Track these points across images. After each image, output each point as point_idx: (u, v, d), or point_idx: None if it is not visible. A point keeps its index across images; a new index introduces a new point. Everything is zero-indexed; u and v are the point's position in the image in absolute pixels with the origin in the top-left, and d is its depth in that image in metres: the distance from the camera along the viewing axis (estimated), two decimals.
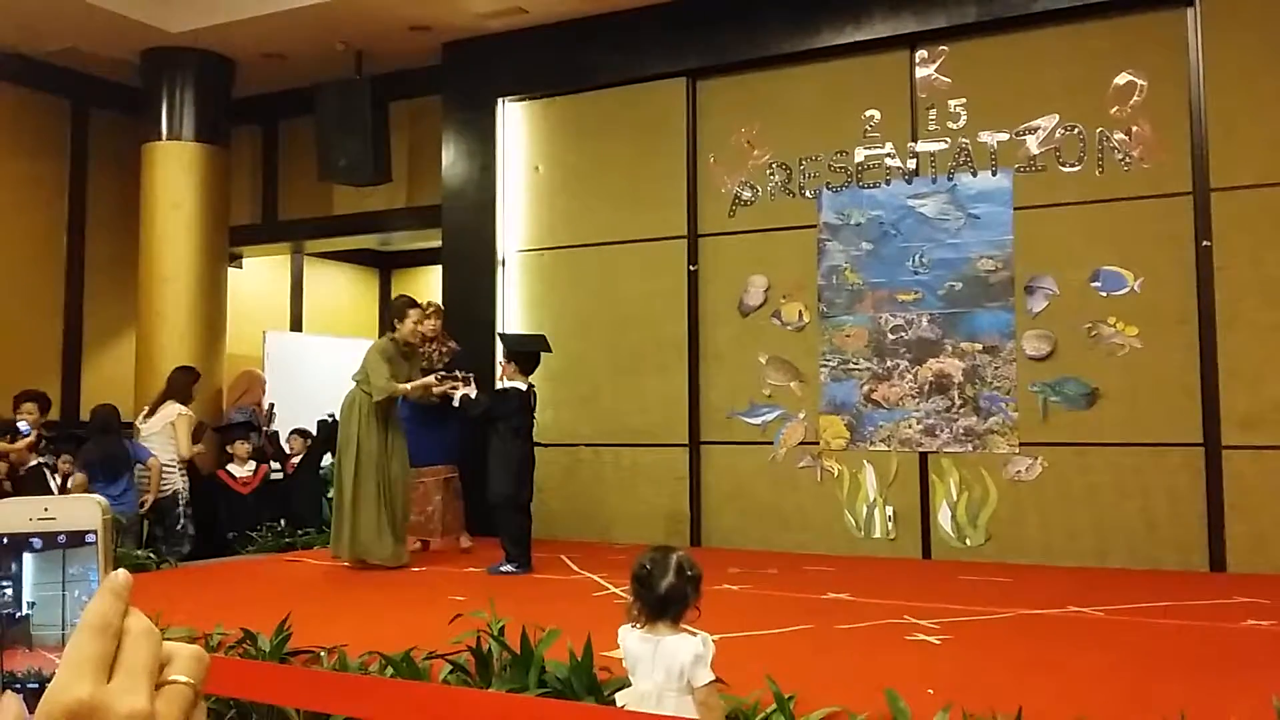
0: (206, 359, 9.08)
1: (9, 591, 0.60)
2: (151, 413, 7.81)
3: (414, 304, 7.08)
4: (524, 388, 6.70)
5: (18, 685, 0.59)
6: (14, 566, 0.60)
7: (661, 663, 2.70)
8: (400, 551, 6.71)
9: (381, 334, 7.08)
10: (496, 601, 3.99)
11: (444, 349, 7.45)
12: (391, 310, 7.13)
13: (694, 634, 2.75)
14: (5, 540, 0.60)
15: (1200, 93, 6.64)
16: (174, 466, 7.76)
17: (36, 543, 0.60)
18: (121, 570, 0.59)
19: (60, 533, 0.60)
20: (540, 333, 7.73)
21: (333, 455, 7.20)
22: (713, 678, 2.69)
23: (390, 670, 3.77)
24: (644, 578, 2.81)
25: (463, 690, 3.52)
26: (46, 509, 0.60)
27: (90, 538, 0.60)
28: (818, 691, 3.33)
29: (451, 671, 3.73)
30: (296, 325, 12.43)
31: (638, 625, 2.81)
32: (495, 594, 4.32)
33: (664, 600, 2.77)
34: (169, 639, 0.59)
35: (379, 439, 6.70)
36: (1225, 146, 6.55)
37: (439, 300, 8.04)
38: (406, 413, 7.20)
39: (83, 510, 0.60)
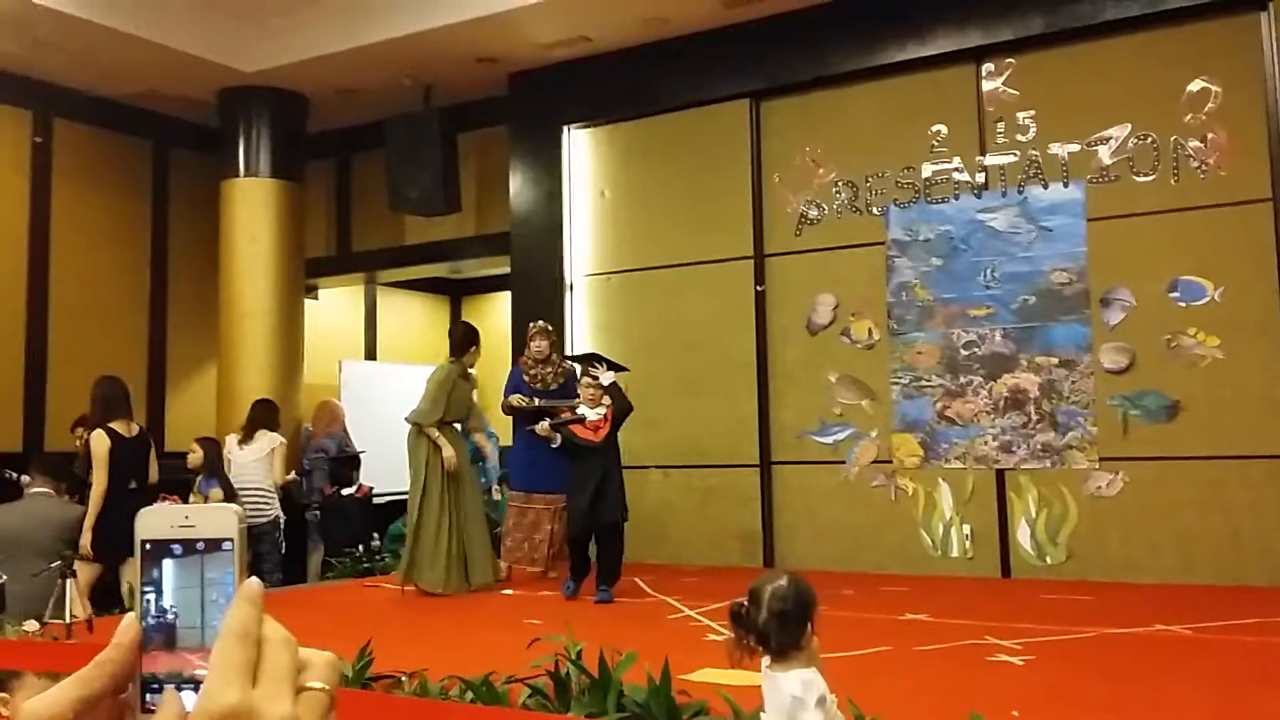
0: (285, 389, 9.28)
1: (151, 596, 0.63)
2: (247, 440, 7.97)
3: (476, 335, 7.11)
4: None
5: (157, 686, 0.62)
6: (156, 572, 0.63)
7: (774, 700, 2.66)
8: (452, 580, 6.66)
9: (454, 358, 7.02)
10: (572, 625, 4.01)
11: (559, 369, 7.28)
12: (459, 337, 7.11)
13: (803, 672, 2.61)
14: (149, 546, 0.63)
15: (1277, 96, 6.49)
16: (272, 494, 7.92)
17: (177, 549, 0.63)
18: (255, 579, 0.62)
19: (199, 540, 0.63)
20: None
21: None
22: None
23: (470, 695, 3.81)
24: (739, 614, 2.73)
25: (542, 715, 3.54)
26: (187, 517, 0.64)
27: (227, 545, 0.63)
28: (900, 714, 3.30)
29: (531, 696, 3.76)
30: (371, 354, 12.64)
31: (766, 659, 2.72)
32: (570, 618, 4.34)
33: (762, 636, 2.70)
34: None
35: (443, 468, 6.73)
36: None
37: (540, 323, 7.57)
38: (520, 437, 7.14)
39: (221, 519, 0.64)
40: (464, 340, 7.08)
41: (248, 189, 9.56)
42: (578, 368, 7.23)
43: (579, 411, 6.42)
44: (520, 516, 7.17)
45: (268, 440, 7.93)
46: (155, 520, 0.64)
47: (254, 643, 0.59)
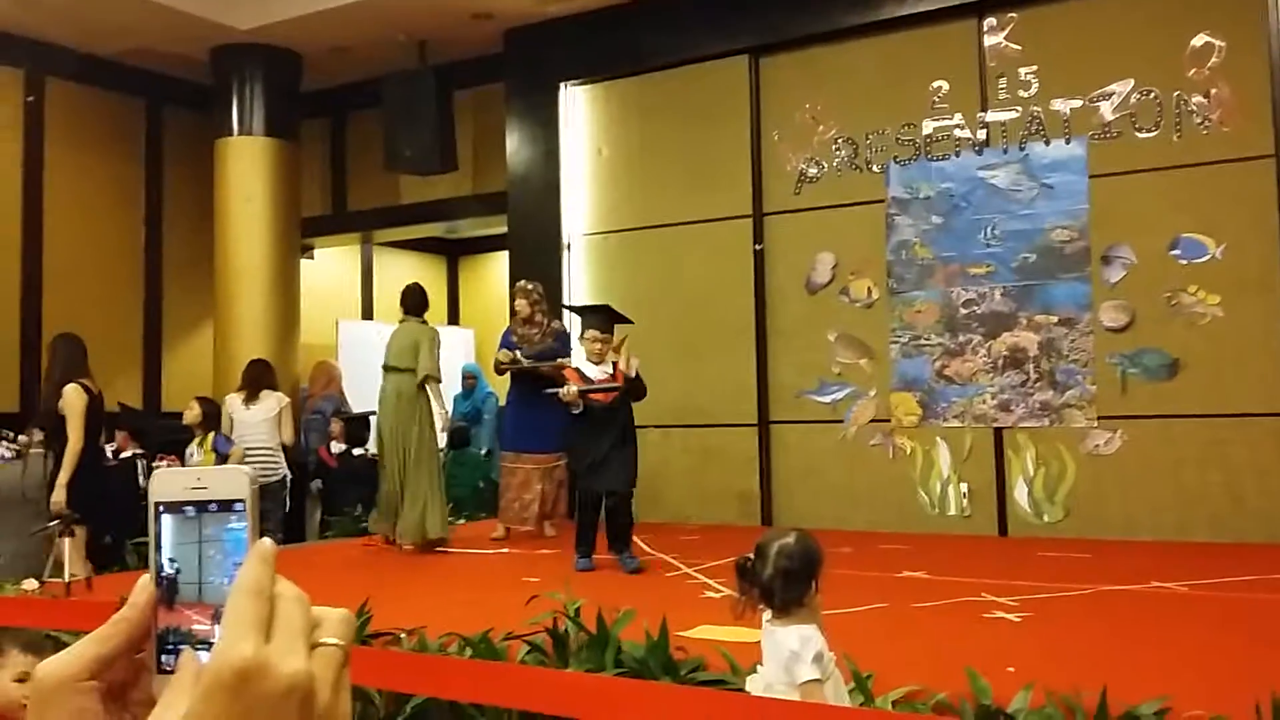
0: (282, 349, 9.26)
1: (165, 556, 0.63)
2: (253, 399, 7.91)
3: (427, 295, 7.26)
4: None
5: (171, 646, 0.62)
6: (169, 532, 0.63)
7: (772, 654, 2.67)
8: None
9: (420, 319, 7.12)
10: (571, 583, 4.02)
11: (546, 329, 7.23)
12: (419, 298, 7.19)
13: (801, 628, 2.63)
14: (162, 508, 0.63)
15: None
16: (280, 453, 7.91)
17: (190, 510, 0.63)
18: (267, 539, 0.61)
19: (212, 501, 0.63)
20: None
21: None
22: (811, 676, 2.56)
23: (469, 651, 3.82)
24: (746, 570, 2.74)
25: (541, 670, 3.55)
26: (199, 479, 0.64)
27: (239, 506, 0.63)
28: (896, 670, 3.30)
29: (529, 652, 3.77)
30: (368, 314, 12.61)
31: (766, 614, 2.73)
32: (569, 576, 4.35)
33: (767, 592, 2.70)
34: None
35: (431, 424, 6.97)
36: None
37: (521, 283, 7.57)
38: (513, 397, 7.24)
39: (233, 480, 0.64)
40: (424, 300, 7.18)
41: (242, 147, 9.49)
42: (570, 326, 7.23)
43: (581, 370, 6.00)
44: (510, 477, 7.23)
45: (275, 400, 7.91)
46: (168, 482, 0.64)
47: (267, 599, 0.58)
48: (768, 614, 2.74)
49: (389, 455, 6.91)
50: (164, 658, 0.62)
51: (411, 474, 6.82)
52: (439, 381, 6.94)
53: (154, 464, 7.88)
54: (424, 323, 7.11)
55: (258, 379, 7.98)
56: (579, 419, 5.88)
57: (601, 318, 6.14)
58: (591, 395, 5.84)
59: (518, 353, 7.11)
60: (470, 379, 10.11)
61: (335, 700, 0.58)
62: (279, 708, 0.56)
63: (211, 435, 7.58)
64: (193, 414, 7.60)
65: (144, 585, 0.63)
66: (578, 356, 6.52)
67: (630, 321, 6.20)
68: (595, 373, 5.97)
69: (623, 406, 5.96)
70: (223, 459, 7.21)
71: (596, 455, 5.85)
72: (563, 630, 3.75)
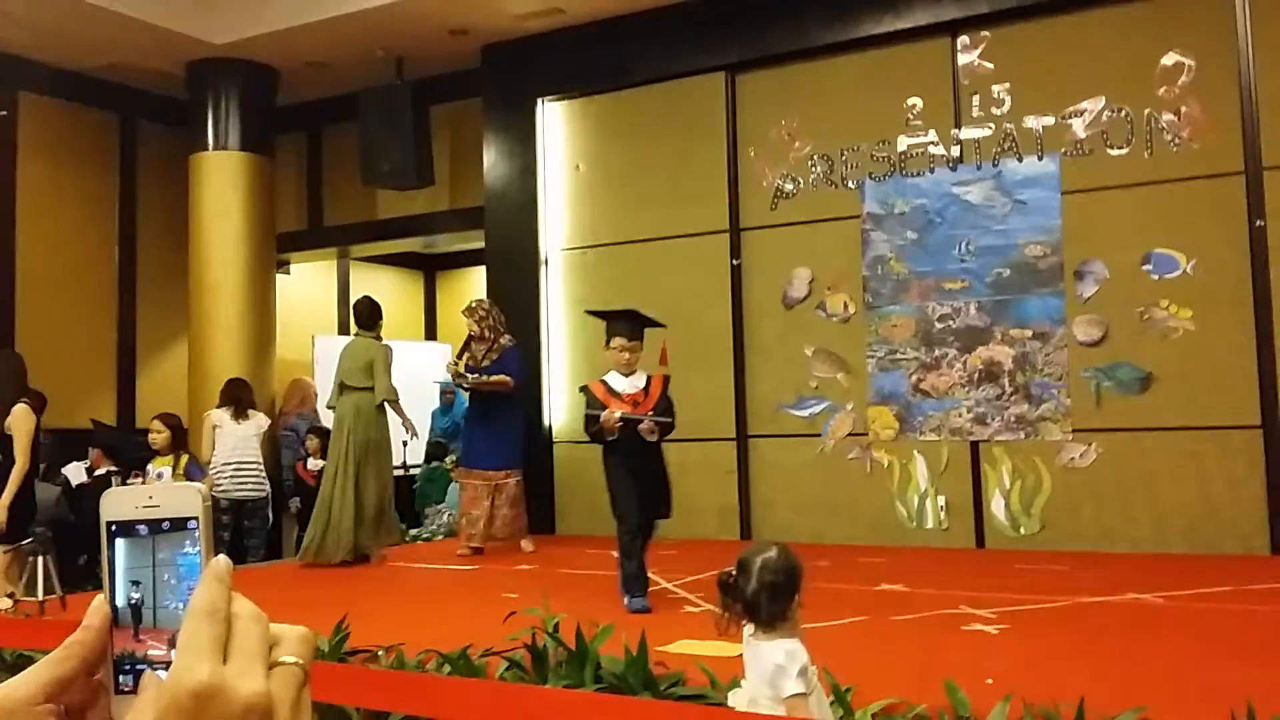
0: (257, 364, 9.21)
1: (117, 576, 0.62)
2: (241, 415, 7.90)
3: (381, 309, 7.35)
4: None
5: (129, 667, 0.61)
6: (123, 553, 0.62)
7: (755, 669, 2.67)
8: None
9: (373, 334, 7.21)
10: (550, 599, 4.01)
11: (493, 346, 7.35)
12: (371, 311, 7.26)
13: (787, 642, 2.63)
14: (114, 528, 0.62)
15: (1250, 70, 6.52)
16: (263, 470, 7.92)
17: (142, 529, 0.62)
18: (222, 556, 0.61)
19: (164, 520, 0.62)
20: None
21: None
22: (797, 691, 2.56)
23: (448, 668, 3.80)
24: (729, 586, 2.75)
25: (520, 686, 3.54)
26: (151, 497, 0.63)
27: (192, 524, 0.62)
28: (875, 683, 3.31)
29: (508, 668, 3.75)
30: (344, 329, 12.53)
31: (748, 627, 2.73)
32: (548, 591, 4.34)
33: (751, 606, 2.70)
34: None
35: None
36: (1277, 124, 6.43)
37: (486, 298, 7.87)
38: (468, 414, 7.42)
39: (185, 498, 0.63)
40: (374, 313, 7.25)
41: (217, 162, 9.44)
42: (511, 346, 7.29)
43: (608, 384, 5.38)
44: (463, 493, 7.34)
45: (261, 418, 7.98)
46: (120, 501, 0.63)
47: (223, 619, 0.58)
48: (750, 628, 2.74)
49: (340, 471, 6.92)
50: (122, 678, 0.61)
51: (367, 492, 6.91)
52: (397, 401, 7.07)
53: (128, 481, 7.81)
54: (377, 338, 7.20)
55: (240, 397, 7.97)
56: (608, 447, 5.32)
57: (627, 323, 5.48)
58: (637, 426, 5.18)
59: (461, 362, 7.27)
60: (449, 394, 10.11)
61: (295, 719, 0.58)
62: None
63: (184, 459, 7.54)
64: (163, 437, 7.51)
65: (98, 607, 0.62)
66: (604, 368, 5.65)
67: (661, 325, 5.69)
68: (625, 386, 5.33)
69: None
70: None
71: (635, 483, 5.26)
72: (541, 646, 3.74)
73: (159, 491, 0.63)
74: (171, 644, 0.60)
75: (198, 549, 0.62)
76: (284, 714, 0.57)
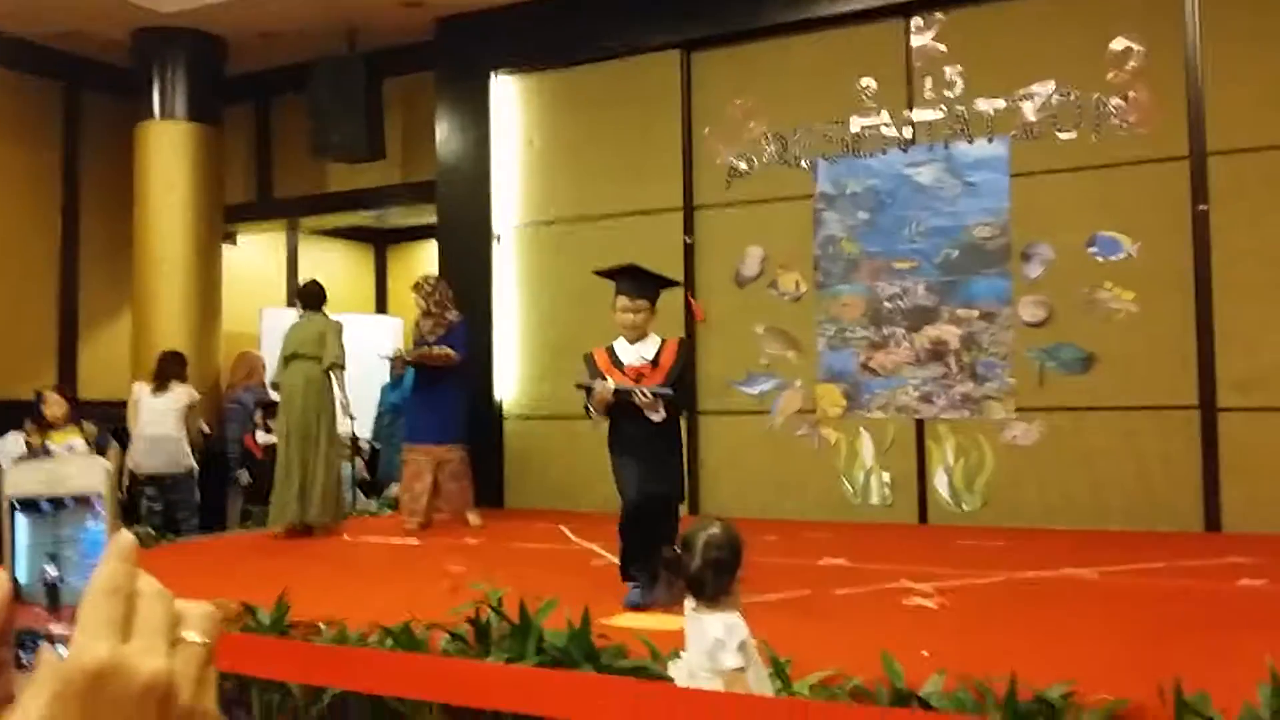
0: (203, 337, 9.10)
1: (19, 552, 0.61)
2: (161, 389, 7.81)
3: (325, 292, 7.43)
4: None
5: (33, 643, 0.60)
6: (22, 529, 0.61)
7: (696, 642, 2.69)
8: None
9: (319, 308, 7.33)
10: (494, 573, 4.01)
11: (439, 321, 7.35)
12: (318, 291, 7.38)
13: (727, 616, 2.67)
14: (16, 503, 0.61)
15: (1197, 56, 6.61)
16: (185, 444, 7.82)
17: (45, 505, 0.61)
18: (126, 533, 0.60)
19: (67, 495, 0.61)
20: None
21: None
22: (735, 664, 2.61)
23: (390, 642, 3.80)
24: (674, 562, 2.77)
25: (461, 661, 3.54)
26: (54, 472, 0.62)
27: (96, 500, 0.61)
28: (814, 656, 3.35)
29: (450, 642, 3.76)
30: (293, 302, 12.42)
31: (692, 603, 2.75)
32: (492, 566, 4.34)
33: (695, 582, 2.73)
34: None
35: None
36: (1222, 109, 6.53)
37: (434, 274, 7.87)
38: (412, 388, 7.42)
39: (90, 472, 0.62)
40: (323, 295, 7.38)
41: (163, 132, 9.28)
42: (459, 321, 7.29)
43: (614, 351, 4.86)
44: (406, 467, 7.35)
45: (184, 392, 7.83)
46: (22, 476, 0.62)
47: (125, 597, 0.57)
48: (690, 602, 2.77)
49: (294, 441, 7.01)
50: (24, 655, 0.60)
51: (316, 461, 6.98)
52: (344, 369, 7.14)
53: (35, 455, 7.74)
54: (325, 315, 7.28)
55: (166, 370, 7.89)
56: (611, 424, 4.80)
57: (632, 281, 4.85)
58: (634, 403, 4.56)
59: (399, 348, 7.49)
60: (400, 368, 10.00)
61: (198, 697, 0.57)
62: (137, 707, 0.55)
63: (95, 431, 7.48)
64: (60, 409, 7.41)
65: (0, 582, 0.61)
66: (613, 334, 5.01)
67: (674, 283, 5.14)
68: (631, 354, 4.76)
69: (667, 422, 4.65)
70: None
71: (635, 463, 4.70)
72: (485, 620, 3.75)
73: (63, 466, 0.62)
74: (74, 621, 0.59)
75: (102, 525, 0.61)
76: (186, 692, 0.57)
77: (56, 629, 0.59)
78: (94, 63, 9.84)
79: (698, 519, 2.98)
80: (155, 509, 7.73)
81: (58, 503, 0.61)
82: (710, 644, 2.64)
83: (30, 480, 0.61)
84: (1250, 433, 6.36)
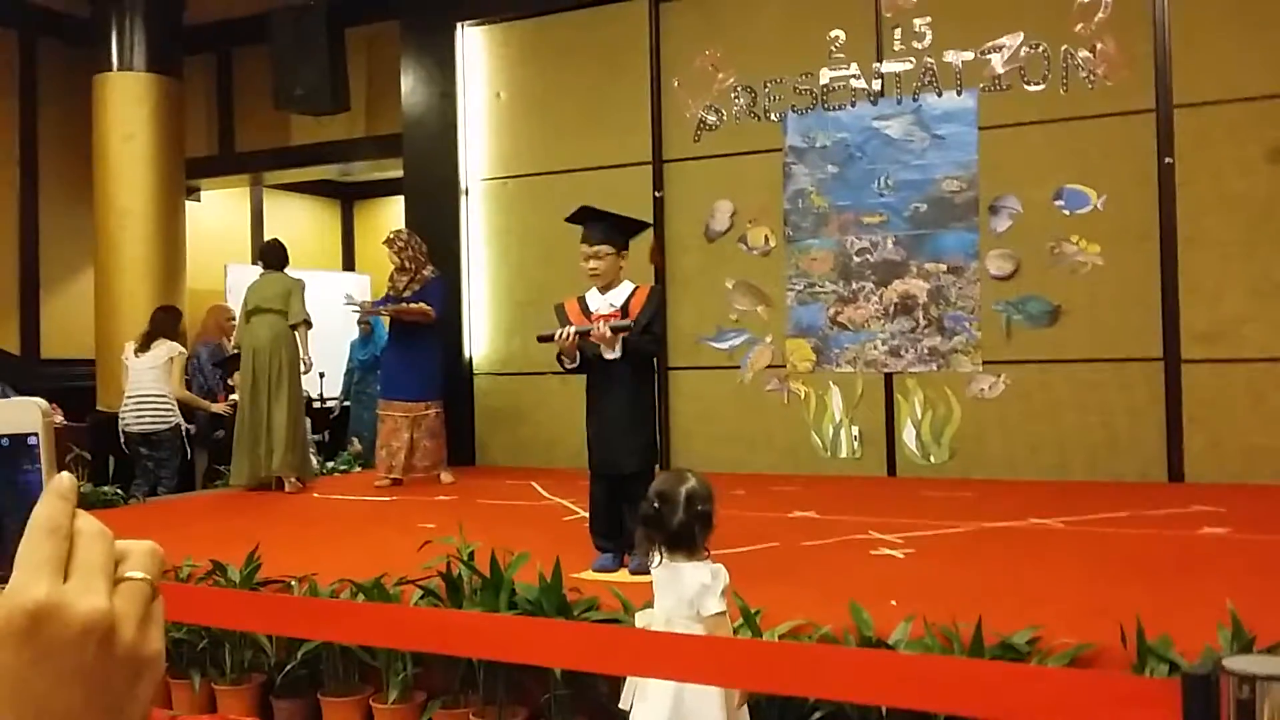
0: (167, 294, 8.98)
1: None
2: (144, 348, 7.75)
3: (286, 252, 7.45)
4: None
5: None
6: None
7: (674, 590, 2.73)
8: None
9: (281, 268, 7.35)
10: (465, 528, 4.01)
11: (415, 277, 7.31)
12: (282, 252, 7.41)
13: (710, 563, 2.74)
14: None
15: (1164, 8, 6.61)
16: (170, 401, 7.76)
17: None
18: (65, 473, 0.58)
19: (3, 436, 0.60)
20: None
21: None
22: (720, 609, 2.68)
23: (361, 597, 3.80)
24: (653, 517, 2.79)
25: (433, 611, 3.55)
26: None
27: (32, 440, 0.60)
28: (784, 606, 3.39)
29: (422, 597, 3.77)
30: (258, 259, 12.29)
31: (661, 556, 2.79)
32: (464, 520, 4.34)
33: (676, 536, 2.77)
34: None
35: None
36: (1188, 62, 6.55)
37: (406, 229, 7.81)
38: (387, 344, 7.40)
39: (23, 413, 0.60)
40: (284, 255, 7.40)
41: (122, 83, 9.10)
42: (435, 277, 7.27)
43: (585, 301, 4.71)
44: (382, 424, 7.33)
45: (165, 349, 7.75)
46: None
47: (64, 537, 0.56)
48: (660, 555, 2.79)
49: (257, 396, 7.03)
50: None
51: (279, 412, 6.98)
52: (310, 327, 7.15)
53: None
54: (286, 275, 7.29)
55: (154, 327, 7.83)
56: (589, 377, 4.63)
57: (595, 226, 4.68)
58: (591, 338, 4.38)
59: (365, 301, 7.48)
60: (366, 324, 9.91)
61: (142, 637, 0.56)
62: (77, 648, 0.54)
63: None
64: None
65: None
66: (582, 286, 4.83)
67: (642, 225, 4.94)
68: (600, 302, 4.56)
69: (627, 368, 4.49)
70: None
71: (598, 423, 4.60)
72: (456, 574, 3.75)
73: None
74: (10, 564, 0.58)
75: (38, 466, 0.60)
76: (128, 630, 0.56)
77: None
78: (50, 11, 9.62)
79: (667, 473, 3.00)
80: (149, 468, 7.70)
81: None
82: (695, 590, 2.69)
83: None
84: (1213, 384, 6.44)
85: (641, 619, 2.83)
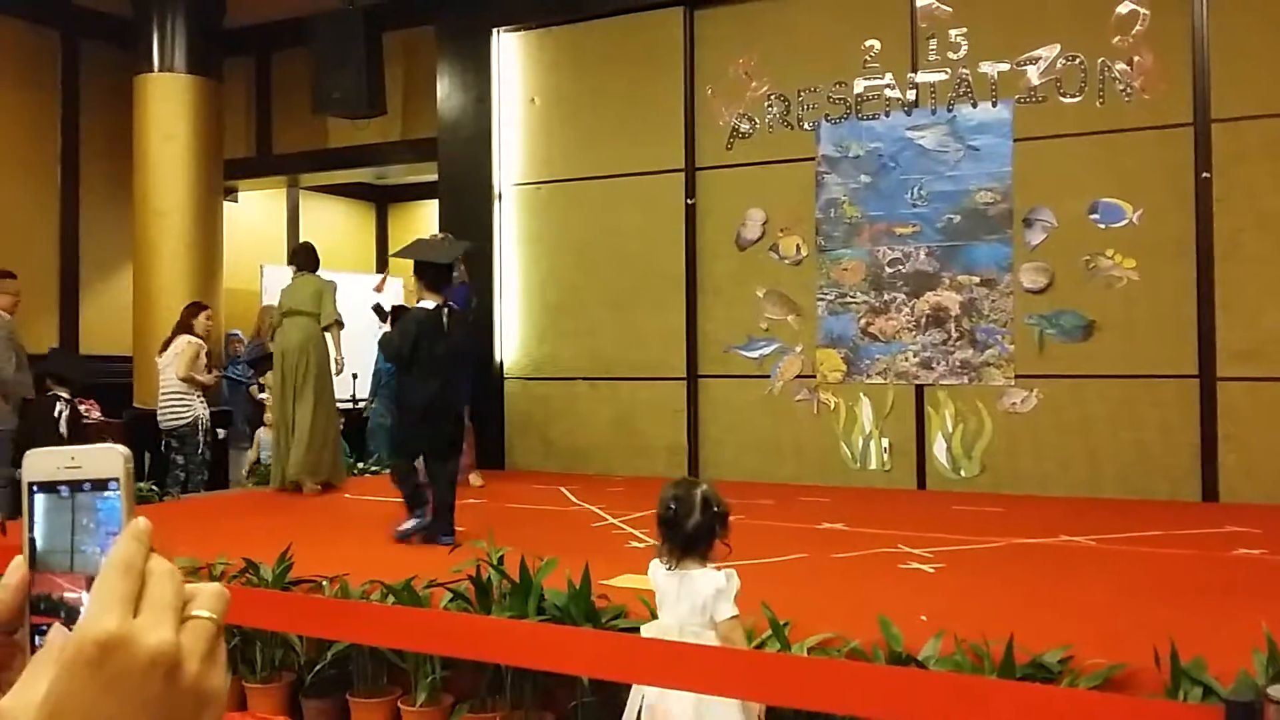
0: (204, 292, 9.08)
1: (37, 535, 0.63)
2: (165, 346, 7.89)
3: (318, 256, 7.52)
4: (432, 306, 5.38)
5: (46, 628, 0.62)
6: (42, 511, 0.63)
7: (686, 597, 2.73)
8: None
9: (313, 270, 7.42)
10: (495, 532, 4.04)
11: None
12: (313, 254, 7.48)
13: (720, 569, 2.77)
14: (35, 488, 0.63)
15: (1204, 22, 6.56)
16: (191, 394, 7.84)
17: (64, 490, 0.63)
18: (142, 517, 0.62)
19: (85, 481, 0.63)
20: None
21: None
22: (734, 612, 2.71)
23: (391, 599, 3.83)
24: (670, 518, 2.81)
25: (463, 616, 3.57)
26: (73, 458, 0.63)
27: (113, 485, 0.63)
28: (813, 619, 3.38)
29: (452, 600, 3.79)
30: (293, 260, 12.40)
31: (667, 562, 2.82)
32: (494, 525, 4.37)
33: (691, 538, 2.78)
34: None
35: None
36: (1227, 77, 6.49)
37: (442, 233, 7.88)
38: None
39: (106, 459, 0.63)
40: (316, 258, 7.48)
41: (163, 85, 9.21)
42: (462, 282, 7.38)
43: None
44: None
45: (180, 341, 7.86)
46: (41, 462, 0.63)
47: (137, 575, 0.59)
48: (669, 561, 2.81)
49: (286, 398, 7.10)
50: (38, 639, 0.61)
51: (302, 415, 7.02)
52: (342, 328, 7.23)
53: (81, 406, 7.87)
54: (318, 276, 7.36)
55: (178, 324, 7.93)
56: None
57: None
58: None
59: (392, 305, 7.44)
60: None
61: (206, 671, 0.59)
62: (144, 679, 0.56)
63: None
64: None
65: (17, 566, 0.62)
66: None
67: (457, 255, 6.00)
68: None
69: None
70: None
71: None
72: (486, 578, 3.77)
73: (81, 453, 0.63)
74: (88, 586, 0.61)
75: (118, 495, 0.63)
76: (193, 665, 0.58)
77: (70, 593, 0.61)
78: (93, 13, 9.76)
79: (680, 479, 3.02)
80: (179, 462, 7.80)
81: (76, 486, 0.63)
82: (710, 596, 2.71)
83: (49, 466, 0.63)
84: (1249, 402, 6.38)
85: (650, 630, 2.83)
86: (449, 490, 5.32)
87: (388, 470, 6.12)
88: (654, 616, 2.94)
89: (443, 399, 5.28)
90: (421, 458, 5.37)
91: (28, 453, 0.65)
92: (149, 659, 0.56)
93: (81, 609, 0.60)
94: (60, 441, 7.87)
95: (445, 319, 5.32)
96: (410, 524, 5.22)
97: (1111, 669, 2.91)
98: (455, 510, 5.31)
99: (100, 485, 0.63)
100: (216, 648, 0.60)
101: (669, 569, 2.79)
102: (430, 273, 5.43)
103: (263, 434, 8.59)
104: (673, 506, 2.82)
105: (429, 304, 5.34)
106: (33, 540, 0.62)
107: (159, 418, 7.83)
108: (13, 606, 0.62)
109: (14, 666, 0.63)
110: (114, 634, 0.56)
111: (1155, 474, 6.56)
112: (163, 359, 7.87)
